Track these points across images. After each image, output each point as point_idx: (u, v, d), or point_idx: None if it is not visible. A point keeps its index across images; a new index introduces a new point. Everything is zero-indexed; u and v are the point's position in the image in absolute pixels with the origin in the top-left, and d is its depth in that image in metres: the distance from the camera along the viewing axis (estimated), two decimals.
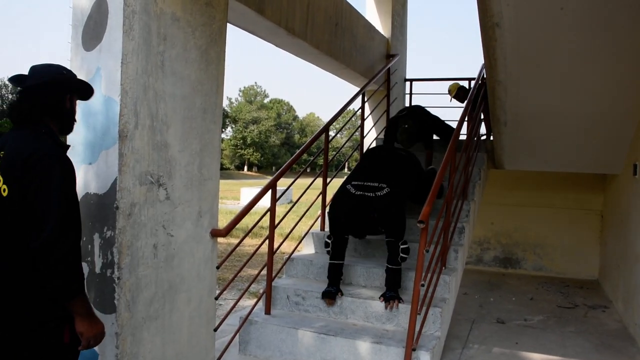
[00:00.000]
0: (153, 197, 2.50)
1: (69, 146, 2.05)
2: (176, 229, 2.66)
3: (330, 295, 3.60)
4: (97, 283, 2.38)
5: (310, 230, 4.55)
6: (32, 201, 1.73)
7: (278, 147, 65.50)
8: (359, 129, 5.51)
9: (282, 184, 4.06)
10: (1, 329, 1.76)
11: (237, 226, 3.23)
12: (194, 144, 2.77)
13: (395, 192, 3.58)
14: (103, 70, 2.37)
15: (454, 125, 4.57)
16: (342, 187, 3.72)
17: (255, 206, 3.38)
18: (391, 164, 4.00)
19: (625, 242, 5.18)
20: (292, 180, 4.32)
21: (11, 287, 1.77)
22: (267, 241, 3.55)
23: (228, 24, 3.07)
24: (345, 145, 15.78)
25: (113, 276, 2.32)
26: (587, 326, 4.72)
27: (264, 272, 3.65)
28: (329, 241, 3.71)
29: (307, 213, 4.48)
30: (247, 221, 8.58)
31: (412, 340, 2.99)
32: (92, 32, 2.43)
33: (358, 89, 5.70)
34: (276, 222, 3.60)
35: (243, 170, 64.26)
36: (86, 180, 2.42)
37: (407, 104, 7.29)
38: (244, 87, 70.81)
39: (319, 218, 4.66)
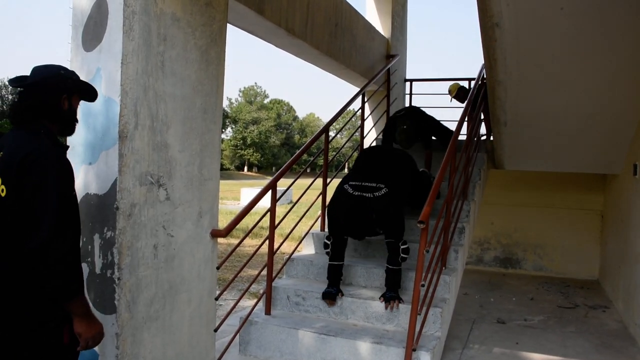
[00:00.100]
0: (153, 197, 2.50)
1: (68, 147, 2.04)
2: (176, 229, 2.65)
3: (331, 296, 3.60)
4: (98, 284, 2.38)
5: (311, 231, 4.55)
6: (29, 201, 1.72)
7: (278, 147, 65.49)
8: (359, 129, 5.51)
9: (282, 184, 4.06)
10: (1, 329, 1.76)
11: (237, 226, 3.23)
12: (194, 145, 2.77)
13: (393, 192, 3.56)
14: (103, 71, 2.37)
15: (454, 125, 4.56)
16: (340, 187, 3.68)
17: (256, 206, 3.38)
18: (388, 163, 3.99)
19: (625, 242, 5.18)
20: (292, 180, 4.32)
21: (11, 288, 1.76)
22: (267, 241, 3.55)
23: (228, 24, 3.07)
24: (345, 146, 15.78)
25: (113, 277, 2.32)
26: (588, 326, 4.71)
27: (264, 272, 3.65)
28: (329, 242, 3.71)
29: (307, 213, 4.47)
30: (247, 221, 8.59)
31: (413, 341, 2.99)
32: (92, 32, 2.43)
33: (358, 89, 5.70)
34: (276, 222, 3.60)
35: (243, 170, 64.27)
36: (86, 180, 2.42)
37: (407, 105, 7.29)
38: (244, 88, 70.96)
39: (319, 218, 4.66)
